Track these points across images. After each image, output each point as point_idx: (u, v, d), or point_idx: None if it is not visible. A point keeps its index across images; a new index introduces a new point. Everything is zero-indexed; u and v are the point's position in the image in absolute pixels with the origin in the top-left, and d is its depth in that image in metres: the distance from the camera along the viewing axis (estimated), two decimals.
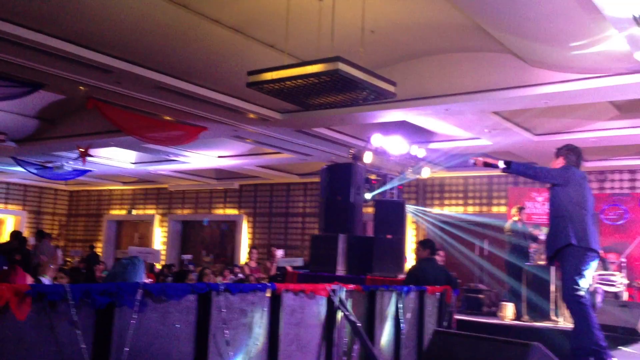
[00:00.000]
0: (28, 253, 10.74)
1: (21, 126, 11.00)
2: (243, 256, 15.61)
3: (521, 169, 5.22)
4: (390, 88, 5.62)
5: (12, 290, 2.56)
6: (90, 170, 14.41)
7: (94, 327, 2.91)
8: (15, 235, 11.85)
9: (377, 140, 8.71)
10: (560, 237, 4.89)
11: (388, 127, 9.28)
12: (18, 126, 10.92)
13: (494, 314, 8.89)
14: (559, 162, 5.21)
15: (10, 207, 17.84)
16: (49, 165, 13.56)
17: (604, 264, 8.71)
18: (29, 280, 6.21)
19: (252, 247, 14.55)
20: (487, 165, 5.27)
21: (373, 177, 9.53)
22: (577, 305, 4.76)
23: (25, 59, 6.75)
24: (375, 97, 5.77)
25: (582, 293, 4.74)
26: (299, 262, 10.84)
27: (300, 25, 6.09)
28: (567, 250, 4.85)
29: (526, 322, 8.00)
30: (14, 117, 10.59)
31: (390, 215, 8.41)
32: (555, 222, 5.00)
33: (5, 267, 9.06)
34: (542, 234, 8.72)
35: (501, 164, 5.11)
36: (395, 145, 9.03)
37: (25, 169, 13.62)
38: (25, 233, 15.38)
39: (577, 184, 5.00)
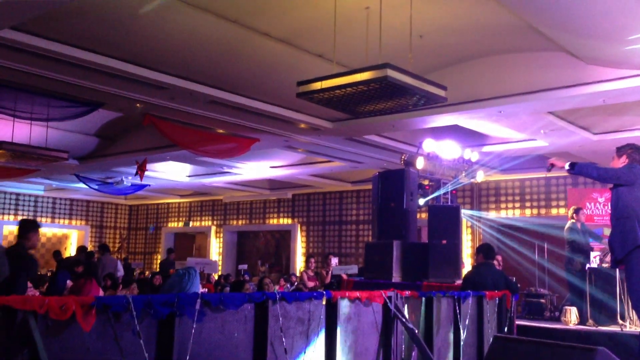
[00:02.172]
0: (95, 266, 11.11)
1: (82, 144, 11.43)
2: (297, 265, 15.70)
3: (585, 170, 5.09)
4: (441, 92, 5.56)
5: (78, 302, 2.67)
6: (148, 185, 14.83)
7: (156, 336, 3.00)
8: (81, 249, 12.31)
9: (429, 145, 8.63)
10: (628, 239, 4.73)
11: (439, 132, 9.18)
12: (79, 144, 11.35)
13: (556, 319, 8.65)
14: (622, 162, 5.04)
15: (74, 222, 18.53)
16: (110, 180, 14.04)
17: None
18: (100, 292, 6.43)
19: (309, 255, 14.63)
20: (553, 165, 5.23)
21: (426, 182, 9.44)
22: None
23: (85, 80, 7.03)
24: (425, 102, 5.73)
25: None
26: (353, 269, 10.83)
27: (348, 34, 6.12)
28: (636, 252, 4.69)
29: (591, 326, 7.74)
30: (75, 136, 11.02)
31: (445, 220, 8.29)
32: (620, 223, 4.84)
33: (69, 281, 9.42)
34: (604, 235, 8.44)
35: (566, 166, 5.04)
36: (448, 150, 8.92)
37: (87, 185, 14.16)
38: (89, 247, 15.95)
39: None
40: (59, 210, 18.19)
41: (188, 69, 7.10)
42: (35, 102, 8.50)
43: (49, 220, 17.95)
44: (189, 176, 14.50)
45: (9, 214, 17.11)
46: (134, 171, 12.27)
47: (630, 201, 4.81)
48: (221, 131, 9.50)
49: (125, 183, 14.16)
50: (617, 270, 7.34)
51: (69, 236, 18.59)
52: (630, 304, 7.03)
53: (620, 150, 5.15)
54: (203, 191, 17.04)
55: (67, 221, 18.35)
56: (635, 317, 7.18)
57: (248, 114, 8.39)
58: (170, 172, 13.92)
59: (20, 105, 8.53)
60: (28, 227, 6.01)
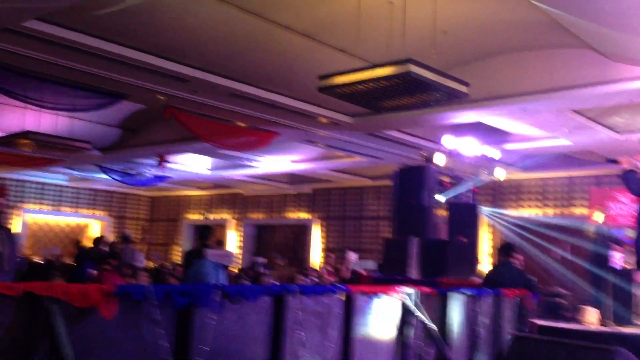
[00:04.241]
0: (118, 256, 11.27)
1: (105, 135, 11.56)
2: (316, 260, 15.72)
3: (628, 181, 4.96)
4: (463, 89, 5.52)
5: (101, 290, 2.71)
6: (169, 177, 14.95)
7: (175, 326, 3.03)
8: (99, 241, 12.45)
9: (450, 142, 8.58)
10: None
11: (461, 129, 9.12)
12: (102, 135, 11.48)
13: (576, 320, 8.55)
14: None
15: (97, 212, 18.77)
16: (131, 172, 14.18)
17: None
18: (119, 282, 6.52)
19: (329, 251, 14.63)
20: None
21: (446, 179, 9.39)
22: None
23: (109, 71, 7.10)
24: (447, 99, 5.69)
25: None
26: (372, 265, 10.82)
27: (371, 28, 6.10)
28: None
29: (611, 327, 7.65)
30: (98, 127, 11.15)
31: (464, 217, 8.26)
32: None
33: (93, 271, 9.56)
34: (628, 237, 8.32)
35: (626, 168, 4.95)
36: (469, 147, 8.86)
37: (109, 175, 14.32)
38: (111, 237, 16.15)
39: None
40: (82, 200, 18.43)
41: (210, 61, 7.13)
42: (60, 93, 8.62)
43: (71, 210, 18.20)
44: (210, 169, 14.59)
45: (33, 202, 17.37)
46: (156, 163, 12.40)
47: None
48: (242, 124, 9.54)
49: (146, 174, 14.30)
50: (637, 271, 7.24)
51: (90, 226, 18.83)
52: None
53: None
54: (223, 184, 17.13)
55: (90, 211, 18.59)
56: None
57: (269, 108, 8.41)
58: (191, 164, 14.02)
59: (46, 95, 8.65)
60: None
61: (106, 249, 12.01)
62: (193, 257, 6.13)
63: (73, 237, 17.29)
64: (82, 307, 2.64)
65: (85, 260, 10.85)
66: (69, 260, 12.81)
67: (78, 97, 8.74)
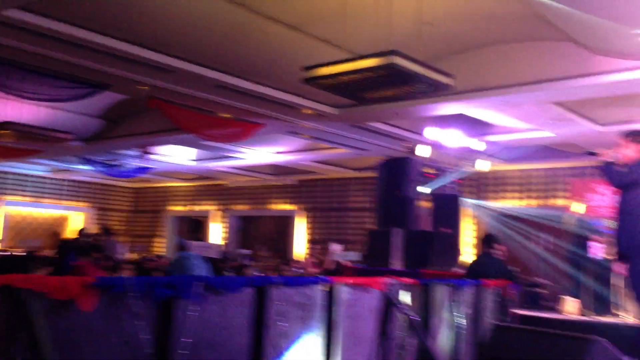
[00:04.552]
0: (101, 248, 11.20)
1: (87, 126, 11.45)
2: (300, 251, 15.74)
3: (607, 174, 4.99)
4: (447, 80, 5.54)
5: (80, 283, 2.70)
6: (152, 168, 14.86)
7: (156, 318, 3.02)
8: (81, 232, 12.38)
9: (434, 133, 8.62)
10: (638, 237, 4.72)
11: (445, 120, 9.16)
12: (84, 126, 11.36)
13: (556, 309, 8.67)
14: (637, 150, 4.94)
15: (79, 204, 18.61)
16: (114, 163, 14.07)
17: None
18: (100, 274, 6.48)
19: (313, 242, 14.66)
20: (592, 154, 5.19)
21: (430, 171, 9.44)
22: None
23: (91, 61, 7.02)
24: (432, 90, 5.70)
25: None
26: (356, 256, 10.86)
27: (357, 20, 6.09)
28: None
29: (590, 317, 7.76)
30: (80, 117, 11.03)
31: (447, 209, 8.32)
32: (632, 219, 4.80)
33: (74, 262, 9.48)
34: (606, 227, 8.43)
35: (606, 160, 4.98)
36: (453, 139, 8.91)
37: (91, 167, 14.19)
38: (94, 229, 16.03)
39: None
40: (64, 191, 18.26)
41: (195, 52, 7.08)
42: (42, 83, 8.51)
43: (53, 201, 18.03)
44: (194, 160, 14.52)
45: (14, 194, 17.17)
46: (139, 154, 12.31)
47: None
48: (226, 115, 9.50)
49: (129, 166, 14.19)
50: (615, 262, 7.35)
51: (72, 218, 18.67)
52: (629, 295, 7.04)
53: (635, 138, 5.02)
54: (207, 175, 17.06)
55: (72, 203, 18.42)
56: (632, 308, 7.20)
57: (253, 99, 8.38)
58: (175, 155, 13.94)
59: (27, 85, 8.54)
60: None
61: (89, 240, 11.93)
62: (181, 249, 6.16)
63: (54, 229, 17.15)
64: (62, 300, 2.62)
65: (67, 252, 10.76)
66: (50, 253, 12.71)
67: (59, 87, 8.63)
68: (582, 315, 7.89)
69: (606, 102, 8.25)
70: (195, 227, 8.02)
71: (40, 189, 17.69)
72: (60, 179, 17.94)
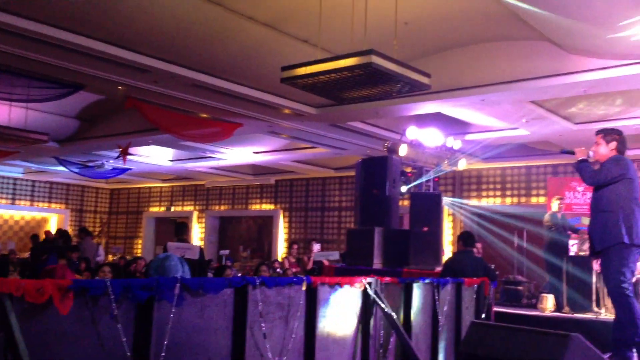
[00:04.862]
0: (77, 249, 11.04)
1: (63, 127, 11.29)
2: (279, 251, 15.72)
3: (582, 172, 5.04)
4: (425, 80, 5.56)
5: (55, 285, 2.65)
6: (130, 169, 14.70)
7: (134, 320, 2.99)
8: (60, 233, 12.21)
9: (412, 132, 8.66)
10: (611, 233, 4.76)
11: (423, 119, 9.21)
12: (60, 127, 11.21)
13: (533, 306, 8.77)
14: (610, 148, 5.01)
15: (53, 205, 18.34)
16: (90, 164, 13.89)
17: None
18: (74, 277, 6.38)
19: (292, 242, 14.64)
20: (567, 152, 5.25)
21: (409, 169, 9.48)
22: (622, 297, 4.69)
23: (66, 61, 6.92)
24: (409, 90, 5.73)
25: (626, 285, 4.68)
26: (335, 255, 10.86)
27: (333, 19, 6.09)
28: (617, 247, 4.74)
29: (567, 313, 7.87)
30: (55, 118, 10.88)
31: (427, 207, 8.35)
32: (604, 216, 4.85)
33: (53, 264, 9.35)
34: (582, 225, 8.56)
35: (579, 159, 5.04)
36: (431, 138, 8.96)
37: (67, 168, 13.99)
38: (69, 231, 15.82)
39: (632, 177, 4.85)
40: (38, 193, 17.99)
41: (171, 51, 7.02)
42: (15, 83, 8.37)
43: (27, 203, 17.76)
44: (172, 160, 14.41)
45: None
46: (116, 155, 12.17)
47: (618, 196, 4.81)
48: (204, 115, 9.44)
49: (106, 167, 14.03)
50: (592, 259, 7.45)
51: (48, 220, 18.41)
52: (605, 291, 7.15)
53: (608, 135, 5.05)
54: (185, 176, 16.95)
55: (46, 204, 18.16)
56: (609, 305, 7.31)
57: (231, 99, 8.34)
58: (153, 156, 13.82)
59: (1, 86, 8.40)
60: None
61: (65, 242, 11.77)
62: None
63: (29, 231, 16.89)
64: (37, 303, 2.57)
65: (41, 254, 10.62)
66: (25, 255, 12.52)
67: (34, 87, 8.51)
68: (561, 312, 8.00)
69: (580, 100, 8.36)
70: (180, 228, 8.01)
71: (13, 191, 17.41)
72: (34, 180, 17.69)
